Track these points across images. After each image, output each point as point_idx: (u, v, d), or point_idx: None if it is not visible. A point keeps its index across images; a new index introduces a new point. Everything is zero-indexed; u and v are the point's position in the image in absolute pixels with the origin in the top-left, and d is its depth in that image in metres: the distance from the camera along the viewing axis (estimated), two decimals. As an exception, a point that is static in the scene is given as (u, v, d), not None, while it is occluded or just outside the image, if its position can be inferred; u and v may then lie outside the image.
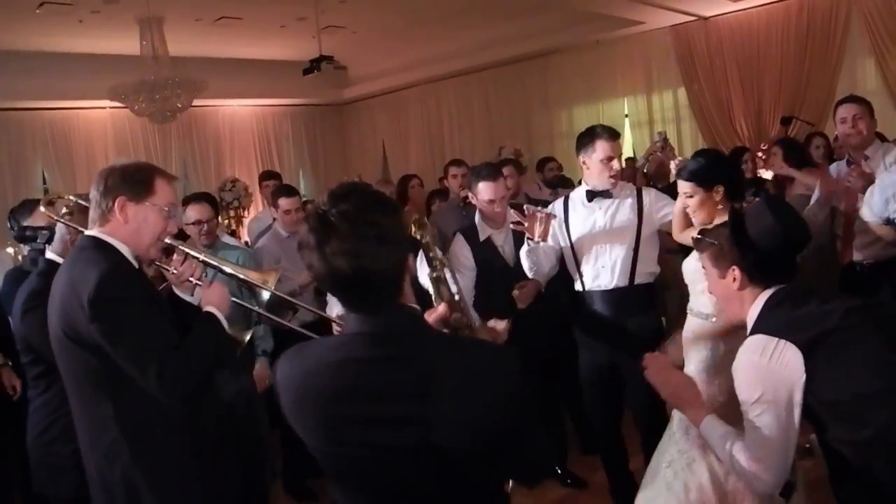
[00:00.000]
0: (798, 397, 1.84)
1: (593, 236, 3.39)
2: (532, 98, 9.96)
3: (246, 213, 9.82)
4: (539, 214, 3.28)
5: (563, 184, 6.13)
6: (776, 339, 1.86)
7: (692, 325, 2.76)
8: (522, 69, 9.89)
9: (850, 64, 7.50)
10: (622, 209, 3.40)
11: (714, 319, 2.66)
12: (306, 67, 8.74)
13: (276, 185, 5.62)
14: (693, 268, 2.70)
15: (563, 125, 9.78)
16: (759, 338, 1.89)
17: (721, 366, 2.54)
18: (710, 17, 8.10)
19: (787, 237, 1.99)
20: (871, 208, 3.20)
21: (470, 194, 3.77)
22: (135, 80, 7.42)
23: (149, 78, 7.37)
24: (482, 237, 3.75)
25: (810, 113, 7.30)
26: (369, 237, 1.39)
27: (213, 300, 2.23)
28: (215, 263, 2.44)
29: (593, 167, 3.38)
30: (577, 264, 3.45)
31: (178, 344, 2.03)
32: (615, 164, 3.37)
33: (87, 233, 2.15)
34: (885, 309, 2.07)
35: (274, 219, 5.30)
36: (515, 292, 3.37)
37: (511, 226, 3.48)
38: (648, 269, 3.40)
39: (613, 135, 3.38)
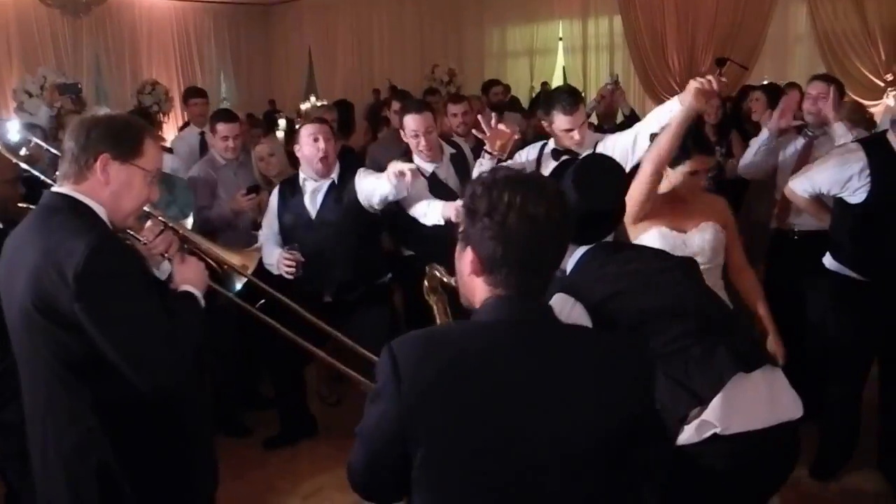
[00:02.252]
0: None
1: None
2: (466, 15, 9.74)
3: (166, 119, 9.33)
4: (502, 128, 3.24)
5: (511, 106, 6.06)
6: (571, 298, 1.95)
7: None
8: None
9: (783, 8, 7.59)
10: None
11: None
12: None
13: (205, 108, 5.30)
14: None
15: (495, 45, 9.64)
16: (559, 296, 1.96)
17: None
18: (652, -55, 8.00)
19: (583, 204, 2.01)
20: (813, 183, 3.23)
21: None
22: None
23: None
24: (426, 172, 3.67)
25: (741, 54, 7.37)
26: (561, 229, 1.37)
27: (189, 277, 1.95)
28: (194, 240, 2.19)
29: (556, 133, 3.36)
30: None
31: (170, 332, 1.78)
32: (575, 134, 3.30)
33: (57, 189, 1.84)
34: (685, 271, 2.15)
35: (201, 133, 5.07)
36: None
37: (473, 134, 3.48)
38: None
39: (572, 106, 3.24)
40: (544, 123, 3.38)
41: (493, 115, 3.38)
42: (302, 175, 3.49)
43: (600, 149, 3.28)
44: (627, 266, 2.04)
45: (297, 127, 3.88)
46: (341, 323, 2.66)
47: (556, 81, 9.48)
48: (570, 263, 2.10)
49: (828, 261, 3.17)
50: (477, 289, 1.38)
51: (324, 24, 11.19)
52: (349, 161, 3.50)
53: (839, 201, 3.11)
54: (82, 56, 9.63)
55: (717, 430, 1.86)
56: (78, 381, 1.77)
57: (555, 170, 2.27)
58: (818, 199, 3.25)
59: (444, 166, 3.72)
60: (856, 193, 3.01)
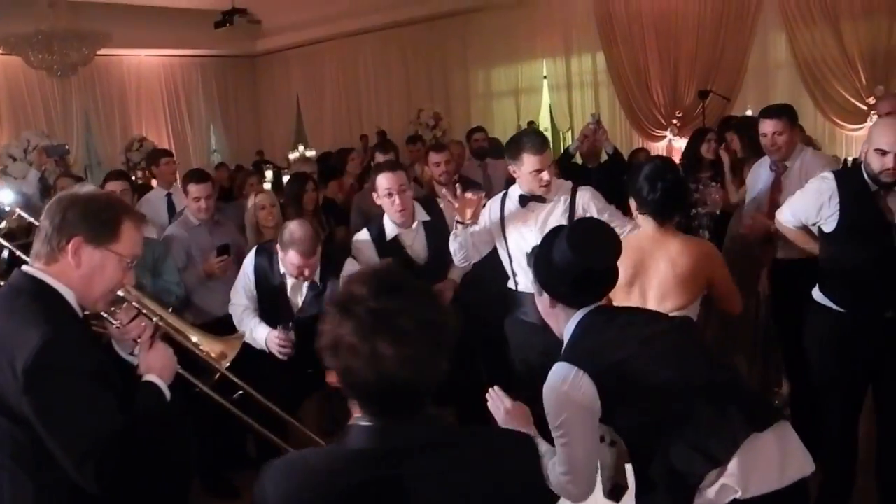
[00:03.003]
0: (596, 422, 1.95)
1: (525, 239, 3.33)
2: (451, 57, 9.83)
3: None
4: (470, 196, 3.21)
5: (492, 153, 6.08)
6: (575, 367, 1.93)
7: None
8: (442, 27, 9.73)
9: (762, 38, 7.68)
10: (555, 213, 3.35)
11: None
12: (218, 20, 8.37)
13: (174, 167, 5.28)
14: None
15: (480, 86, 9.72)
16: (562, 366, 1.95)
17: None
18: (630, -18, 8.11)
19: (579, 263, 2.02)
20: (793, 212, 3.24)
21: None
22: (28, 29, 6.91)
23: (44, 27, 6.88)
24: (389, 236, 3.61)
25: (723, 84, 7.45)
26: (435, 342, 1.22)
27: (154, 366, 1.85)
28: (172, 326, 2.12)
29: (522, 177, 3.31)
30: (511, 265, 3.41)
31: (121, 430, 1.67)
32: (545, 175, 3.27)
33: (26, 269, 1.77)
34: (682, 334, 2.15)
35: (168, 194, 5.04)
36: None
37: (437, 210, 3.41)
38: None
39: (540, 147, 3.20)
40: (511, 169, 3.35)
41: (458, 186, 3.30)
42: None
43: (582, 199, 3.27)
44: (628, 331, 2.02)
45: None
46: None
47: (543, 120, 9.56)
48: (566, 328, 2.07)
49: (815, 292, 3.15)
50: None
51: (310, 72, 11.29)
52: (329, 256, 3.28)
53: (819, 231, 3.10)
54: (72, 115, 9.71)
55: (738, 496, 1.83)
56: (20, 473, 1.68)
57: (545, 238, 2.25)
58: (806, 230, 3.25)
59: (412, 232, 3.64)
60: (828, 221, 3.01)
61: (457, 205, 3.19)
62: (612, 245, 2.12)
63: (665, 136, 8.13)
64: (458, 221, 3.23)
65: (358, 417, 1.26)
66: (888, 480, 3.14)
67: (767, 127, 3.70)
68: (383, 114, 10.34)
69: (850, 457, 3.19)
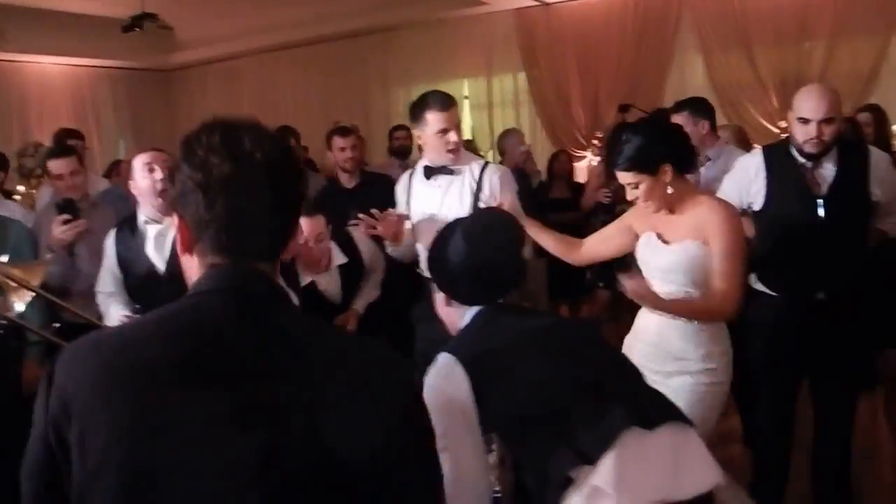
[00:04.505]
0: (476, 424, 1.78)
1: (430, 216, 3.09)
2: (371, 75, 9.68)
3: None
4: (390, 218, 3.01)
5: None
6: (451, 357, 1.81)
7: (682, 327, 2.51)
8: (363, 45, 9.59)
9: (680, 60, 7.80)
10: (458, 187, 3.11)
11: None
12: (126, 24, 7.99)
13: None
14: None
15: (400, 105, 9.56)
16: (439, 356, 1.83)
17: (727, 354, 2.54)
18: (552, 3, 8.13)
19: (472, 257, 1.90)
20: (726, 196, 3.14)
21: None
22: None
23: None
24: (304, 282, 3.31)
25: (643, 104, 7.46)
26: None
27: None
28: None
29: (428, 142, 3.08)
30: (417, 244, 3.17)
31: None
32: (452, 135, 3.04)
33: None
34: (579, 332, 2.00)
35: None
36: None
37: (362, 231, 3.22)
38: None
39: (446, 103, 3.00)
40: (416, 136, 3.14)
41: (374, 211, 3.07)
42: (142, 216, 2.98)
43: (491, 178, 3.08)
44: (515, 324, 1.89)
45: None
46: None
47: (465, 137, 9.46)
48: (461, 326, 1.96)
49: (751, 278, 3.03)
50: (193, 273, 1.11)
51: (228, 88, 10.94)
52: None
53: (753, 214, 3.01)
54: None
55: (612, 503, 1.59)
56: None
57: (440, 234, 2.08)
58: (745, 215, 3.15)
59: (328, 276, 3.40)
60: (757, 198, 2.91)
61: (382, 230, 3.02)
62: (512, 238, 1.98)
63: (586, 157, 8.11)
64: (389, 252, 3.17)
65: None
66: (823, 459, 3.04)
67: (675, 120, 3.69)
68: (302, 132, 10.05)
69: (786, 444, 3.08)
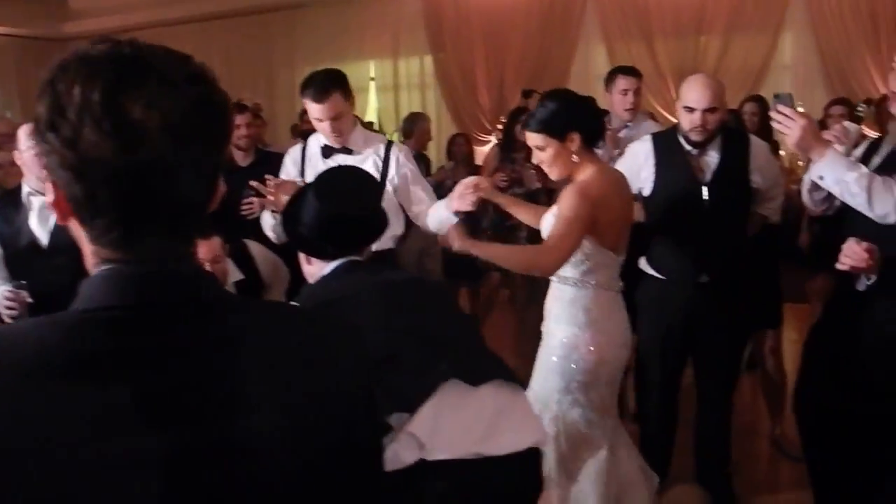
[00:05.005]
0: None
1: None
2: (276, 54, 9.50)
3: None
4: (287, 184, 2.89)
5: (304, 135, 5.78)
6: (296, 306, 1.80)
7: (558, 291, 2.59)
8: (268, 22, 9.41)
9: (584, 49, 7.97)
10: (363, 165, 3.07)
11: (578, 283, 2.54)
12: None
13: None
14: (548, 222, 2.55)
15: (307, 83, 9.43)
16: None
17: (594, 324, 2.55)
18: (460, -14, 8.16)
19: (323, 208, 1.90)
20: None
21: None
22: None
23: None
24: None
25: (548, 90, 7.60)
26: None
27: None
28: None
29: (315, 125, 3.03)
30: None
31: None
32: (324, 126, 2.93)
33: None
34: (419, 286, 2.05)
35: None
36: None
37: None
38: (389, 232, 3.15)
39: (319, 96, 2.85)
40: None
41: (269, 177, 2.95)
42: (26, 188, 2.84)
43: (396, 157, 3.06)
44: (365, 278, 1.90)
45: None
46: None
47: (370, 119, 9.38)
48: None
49: (641, 262, 3.11)
50: (84, 246, 0.84)
51: (124, 61, 10.50)
52: None
53: (643, 199, 3.08)
54: None
55: (424, 454, 1.60)
56: None
57: (294, 195, 2.09)
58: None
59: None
60: (646, 184, 3.00)
61: (273, 198, 2.88)
62: (365, 190, 1.98)
63: (490, 141, 8.17)
64: (272, 211, 2.98)
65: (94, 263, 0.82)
66: (704, 435, 3.15)
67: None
68: (202, 109, 9.78)
69: (671, 420, 3.18)
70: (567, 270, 2.52)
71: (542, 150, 2.51)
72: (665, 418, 3.14)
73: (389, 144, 3.14)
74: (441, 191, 3.62)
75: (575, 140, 2.46)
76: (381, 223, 2.03)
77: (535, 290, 3.73)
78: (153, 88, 0.77)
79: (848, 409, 2.54)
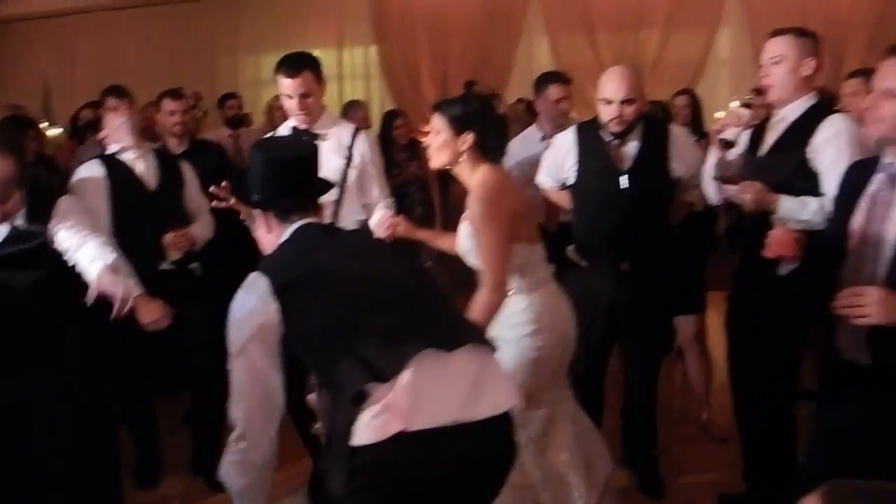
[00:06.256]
0: (274, 342, 1.82)
1: None
2: (219, 41, 9.35)
3: None
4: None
5: (246, 122, 5.75)
6: (258, 273, 1.85)
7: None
8: (209, 8, 9.24)
9: (527, 41, 8.03)
10: (328, 151, 3.13)
11: (520, 290, 2.53)
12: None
13: None
14: (464, 233, 2.55)
15: (249, 72, 9.33)
16: (254, 274, 1.86)
17: (545, 326, 2.54)
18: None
19: (270, 158, 1.97)
20: (547, 171, 3.26)
21: None
22: None
23: None
24: None
25: (492, 82, 7.65)
26: None
27: None
28: None
29: (283, 103, 3.13)
30: None
31: None
32: (290, 102, 3.04)
33: None
34: (386, 253, 2.14)
35: None
36: None
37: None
38: (354, 216, 3.20)
39: (291, 70, 3.02)
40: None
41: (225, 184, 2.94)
42: (115, 147, 3.08)
43: (361, 145, 3.10)
44: (327, 244, 1.95)
45: None
46: None
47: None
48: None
49: (568, 249, 3.17)
50: None
51: (61, 47, 10.22)
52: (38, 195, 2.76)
53: (569, 189, 3.15)
54: None
55: (406, 425, 1.64)
56: None
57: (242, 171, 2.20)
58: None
59: None
60: (570, 174, 3.06)
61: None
62: (301, 140, 2.08)
63: (433, 133, 8.20)
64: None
65: None
66: (630, 419, 3.23)
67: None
68: (143, 97, 9.57)
69: (597, 406, 3.25)
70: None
71: (437, 133, 2.52)
72: (590, 404, 3.21)
73: (357, 131, 3.21)
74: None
75: (468, 140, 2.48)
76: (323, 184, 2.10)
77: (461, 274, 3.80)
78: None
79: (775, 388, 2.68)
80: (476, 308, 2.37)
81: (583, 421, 2.74)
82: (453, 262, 4.26)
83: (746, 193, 2.53)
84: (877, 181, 2.06)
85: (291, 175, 1.97)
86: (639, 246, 3.00)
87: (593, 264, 3.07)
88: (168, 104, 4.05)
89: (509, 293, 2.49)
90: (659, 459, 3.40)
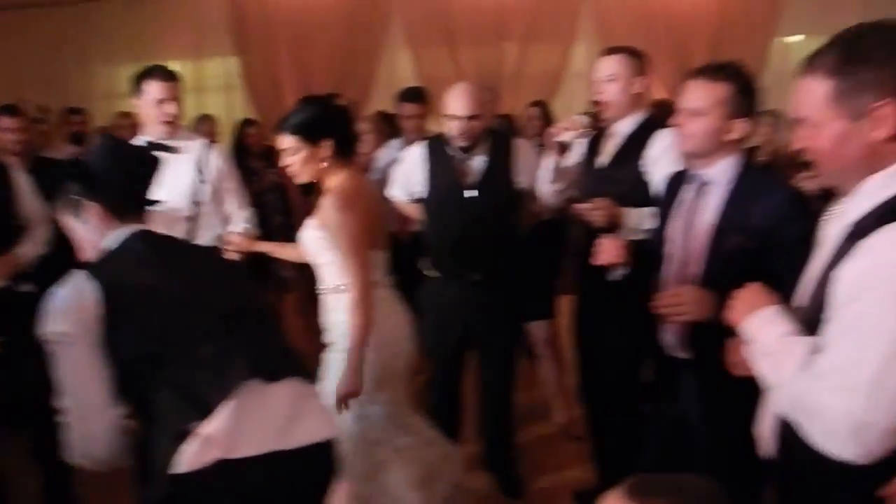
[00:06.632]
0: (91, 343, 1.70)
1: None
2: (67, 51, 8.87)
3: None
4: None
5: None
6: (93, 279, 1.73)
7: (334, 302, 2.56)
8: (56, 16, 8.75)
9: (390, 53, 8.08)
10: (184, 165, 3.07)
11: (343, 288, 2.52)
12: None
13: None
14: (313, 238, 2.52)
15: (103, 84, 8.93)
16: (80, 274, 1.75)
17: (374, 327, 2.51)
18: (264, -11, 8.02)
19: (104, 147, 1.94)
20: (399, 185, 3.30)
21: None
22: None
23: None
24: None
25: (355, 93, 7.67)
26: None
27: None
28: None
29: (144, 111, 3.10)
30: None
31: None
32: (168, 107, 3.08)
33: None
34: (221, 270, 2.14)
35: None
36: None
37: None
38: (213, 230, 3.18)
39: (168, 75, 3.13)
40: (136, 105, 3.09)
41: None
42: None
43: (215, 159, 3.06)
44: (161, 255, 1.87)
45: None
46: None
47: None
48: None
49: (422, 262, 3.22)
50: None
51: None
52: None
53: (420, 202, 3.21)
54: None
55: (223, 454, 1.63)
56: None
57: None
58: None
59: None
60: (419, 188, 3.13)
61: None
62: (151, 154, 2.03)
63: (295, 145, 8.11)
64: None
65: None
66: (490, 437, 3.31)
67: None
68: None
69: (454, 412, 3.31)
70: (339, 280, 2.54)
71: (292, 154, 2.51)
72: (447, 411, 3.27)
73: (207, 145, 3.19)
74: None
75: (327, 148, 2.49)
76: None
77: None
78: None
79: (618, 387, 2.81)
80: (350, 311, 2.42)
81: (424, 432, 2.78)
82: (312, 270, 4.28)
83: (597, 210, 2.63)
84: (688, 190, 2.22)
85: (136, 167, 1.91)
86: (488, 256, 3.09)
87: (445, 275, 3.13)
88: (4, 121, 3.81)
89: (342, 292, 2.52)
90: (518, 461, 3.49)
